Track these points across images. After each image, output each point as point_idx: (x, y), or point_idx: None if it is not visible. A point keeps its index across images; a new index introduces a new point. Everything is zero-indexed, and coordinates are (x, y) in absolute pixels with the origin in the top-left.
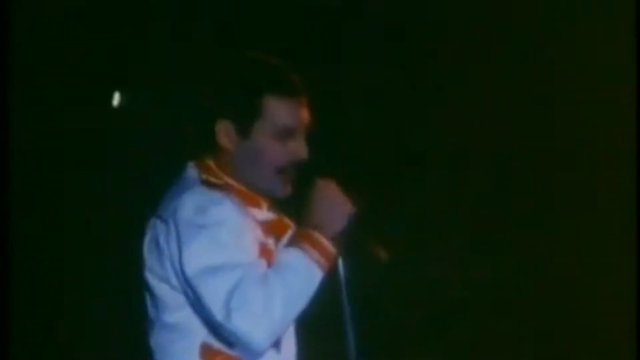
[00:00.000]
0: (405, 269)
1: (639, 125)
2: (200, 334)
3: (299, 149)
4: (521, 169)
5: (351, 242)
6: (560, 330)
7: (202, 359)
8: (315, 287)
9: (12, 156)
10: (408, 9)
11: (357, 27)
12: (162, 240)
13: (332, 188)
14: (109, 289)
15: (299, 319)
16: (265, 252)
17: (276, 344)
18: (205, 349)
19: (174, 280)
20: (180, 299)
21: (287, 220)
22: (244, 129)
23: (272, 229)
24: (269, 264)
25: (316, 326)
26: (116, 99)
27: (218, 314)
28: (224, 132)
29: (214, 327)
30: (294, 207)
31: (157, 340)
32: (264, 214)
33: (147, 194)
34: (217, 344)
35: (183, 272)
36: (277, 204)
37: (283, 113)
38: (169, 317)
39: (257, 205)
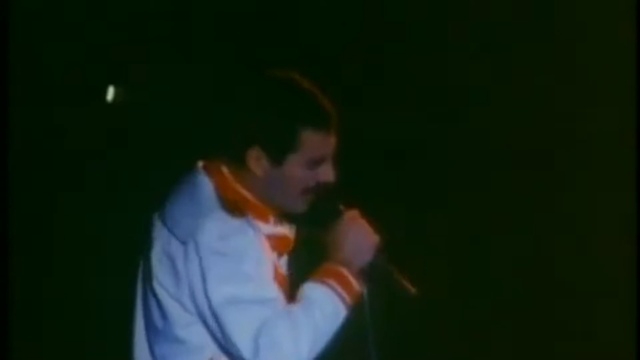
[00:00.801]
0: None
1: (639, 125)
2: (208, 350)
3: (327, 172)
4: (521, 168)
5: (378, 275)
6: (560, 330)
7: None
8: (339, 324)
9: (12, 156)
10: (408, 9)
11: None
12: (179, 263)
13: (359, 221)
14: (108, 290)
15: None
16: (277, 275)
17: None
18: None
19: (188, 303)
20: (192, 318)
21: (290, 236)
22: (277, 159)
23: (276, 244)
24: (280, 287)
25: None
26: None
27: (245, 350)
28: (255, 158)
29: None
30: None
31: (163, 350)
32: (271, 227)
33: (150, 193)
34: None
35: (208, 301)
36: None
37: (318, 145)
38: (178, 331)
39: (264, 218)
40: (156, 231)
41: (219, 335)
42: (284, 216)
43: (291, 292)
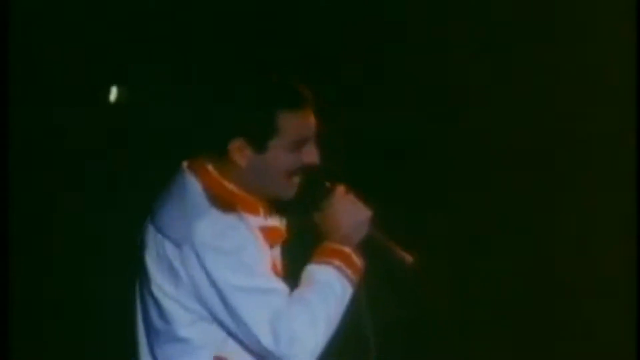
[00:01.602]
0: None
1: (639, 125)
2: (212, 347)
3: (310, 154)
4: (521, 168)
5: (375, 247)
6: (560, 330)
7: None
8: (347, 303)
9: (12, 156)
10: (408, 9)
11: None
12: (177, 265)
13: (349, 196)
14: (108, 290)
15: None
16: (273, 267)
17: None
18: None
19: (189, 303)
20: (193, 317)
21: (282, 228)
22: (260, 146)
23: (268, 236)
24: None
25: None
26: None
27: (265, 340)
28: (238, 150)
29: (254, 351)
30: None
31: (165, 350)
32: (261, 220)
33: (150, 193)
34: (229, 356)
35: (218, 292)
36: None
37: (297, 126)
38: (180, 332)
39: (254, 211)
40: (149, 236)
41: (232, 326)
42: (274, 208)
43: (287, 282)
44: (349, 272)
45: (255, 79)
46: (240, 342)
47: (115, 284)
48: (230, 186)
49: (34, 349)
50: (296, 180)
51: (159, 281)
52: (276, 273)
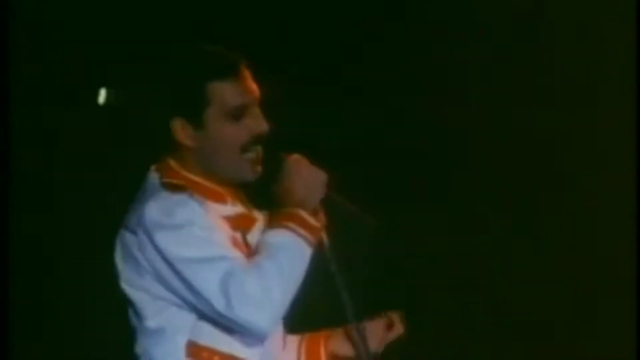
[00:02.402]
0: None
1: (639, 125)
2: (184, 333)
3: (257, 123)
4: (521, 168)
5: (334, 210)
6: (560, 330)
7: (188, 357)
8: (306, 264)
9: (13, 156)
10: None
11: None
12: (135, 251)
13: (302, 162)
14: (108, 290)
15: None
16: (237, 245)
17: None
18: (192, 347)
19: (154, 287)
20: (162, 303)
21: (253, 214)
22: (197, 120)
23: (238, 223)
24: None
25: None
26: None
27: (218, 304)
28: (180, 129)
29: (212, 319)
30: (260, 194)
31: (142, 345)
32: (229, 208)
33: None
34: (203, 341)
35: (171, 267)
36: (245, 193)
37: (229, 93)
38: (151, 323)
39: (221, 200)
40: (119, 238)
41: (191, 299)
42: (242, 197)
43: None
44: (303, 232)
45: (182, 53)
46: (215, 325)
47: (116, 284)
48: (192, 177)
49: (34, 349)
50: (250, 156)
51: (126, 275)
52: (247, 256)
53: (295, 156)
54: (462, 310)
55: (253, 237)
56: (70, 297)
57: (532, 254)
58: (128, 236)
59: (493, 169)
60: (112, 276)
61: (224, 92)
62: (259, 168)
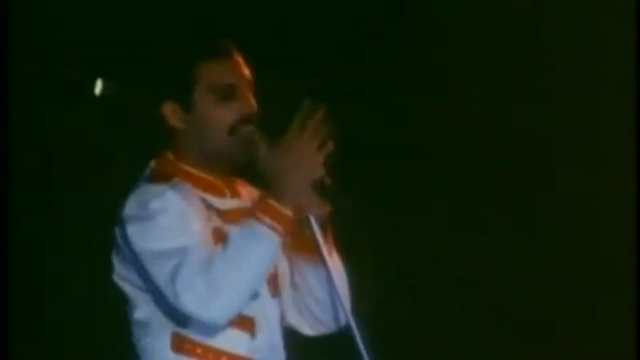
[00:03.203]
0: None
1: (639, 125)
2: (169, 324)
3: (244, 104)
4: (521, 168)
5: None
6: (560, 330)
7: (173, 348)
8: (270, 251)
9: (13, 156)
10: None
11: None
12: (121, 244)
13: (295, 148)
14: (109, 290)
15: None
16: (221, 237)
17: (250, 329)
18: (175, 338)
19: (138, 280)
20: (148, 296)
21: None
22: (186, 101)
23: (233, 217)
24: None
25: None
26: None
27: (169, 296)
28: (171, 113)
29: (171, 311)
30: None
31: (134, 336)
32: (227, 202)
33: None
34: (184, 332)
35: (140, 262)
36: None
37: (217, 73)
38: (138, 314)
39: (219, 193)
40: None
41: (154, 290)
42: (247, 190)
43: None
44: (267, 219)
45: (172, 38)
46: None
47: (116, 284)
48: (189, 169)
49: (34, 349)
50: (243, 138)
51: (117, 268)
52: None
53: (290, 138)
54: (462, 310)
55: None
56: (70, 297)
57: (532, 254)
58: (117, 229)
59: (493, 169)
60: (112, 275)
61: (212, 71)
62: (252, 150)
